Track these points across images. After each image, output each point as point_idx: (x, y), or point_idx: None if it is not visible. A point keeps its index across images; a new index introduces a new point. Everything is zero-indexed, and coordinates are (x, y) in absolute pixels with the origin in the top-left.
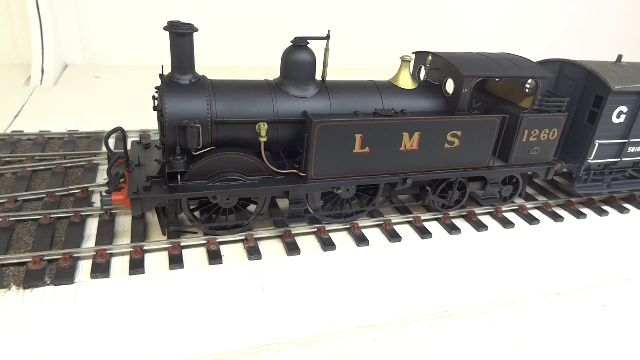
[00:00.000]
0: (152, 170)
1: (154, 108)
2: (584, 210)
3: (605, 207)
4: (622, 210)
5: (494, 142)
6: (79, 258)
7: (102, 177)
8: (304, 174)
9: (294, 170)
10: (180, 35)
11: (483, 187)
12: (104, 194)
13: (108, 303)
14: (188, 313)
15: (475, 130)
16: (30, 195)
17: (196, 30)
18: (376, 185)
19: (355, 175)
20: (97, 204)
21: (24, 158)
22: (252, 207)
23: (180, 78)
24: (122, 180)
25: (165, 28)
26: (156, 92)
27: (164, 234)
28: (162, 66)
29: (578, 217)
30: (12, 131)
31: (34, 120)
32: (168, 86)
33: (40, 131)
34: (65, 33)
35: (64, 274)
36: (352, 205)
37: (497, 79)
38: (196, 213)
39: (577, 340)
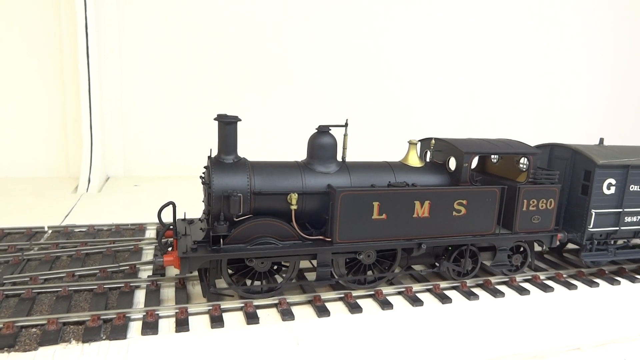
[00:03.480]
0: (197, 237)
1: (203, 183)
2: (596, 280)
3: (617, 278)
4: (634, 280)
5: (497, 211)
6: (130, 319)
7: (147, 257)
8: (330, 239)
9: (320, 237)
10: (227, 124)
11: (494, 257)
12: (156, 256)
13: (158, 354)
14: None
15: (478, 200)
16: (85, 270)
17: (240, 120)
18: (394, 252)
19: (375, 239)
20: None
21: (78, 244)
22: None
23: (225, 158)
24: (169, 249)
25: (215, 118)
26: (203, 173)
27: (204, 296)
28: (210, 149)
29: (590, 286)
30: (66, 224)
31: (83, 217)
32: (215, 164)
33: (90, 224)
34: (111, 150)
35: (118, 331)
36: (373, 272)
37: (493, 159)
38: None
39: None
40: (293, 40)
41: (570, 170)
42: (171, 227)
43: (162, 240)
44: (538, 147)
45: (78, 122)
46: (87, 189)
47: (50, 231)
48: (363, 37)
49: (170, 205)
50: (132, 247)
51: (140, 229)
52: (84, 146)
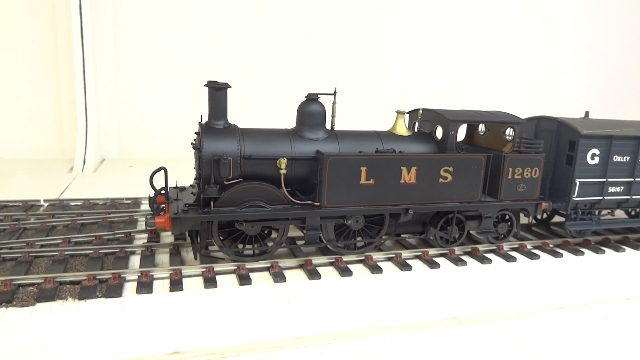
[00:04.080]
0: (188, 201)
1: (194, 147)
2: (582, 249)
3: (602, 247)
4: (619, 249)
5: (482, 179)
6: (125, 279)
7: (142, 227)
8: (318, 203)
9: (309, 202)
10: (218, 90)
11: (480, 225)
12: (148, 217)
13: (152, 309)
14: (224, 315)
15: (465, 167)
16: (82, 237)
17: (230, 86)
18: (382, 217)
19: (363, 204)
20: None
21: (74, 215)
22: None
23: (215, 123)
24: (161, 213)
25: (205, 85)
26: (194, 140)
27: (195, 258)
28: (202, 115)
29: (576, 254)
30: (62, 198)
31: (79, 193)
32: (205, 129)
33: (86, 198)
34: (106, 132)
35: (114, 289)
36: (362, 238)
37: (480, 131)
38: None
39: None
40: (284, 11)
41: (555, 142)
42: (163, 191)
43: (154, 205)
44: (526, 120)
45: (73, 104)
46: (83, 169)
47: (46, 204)
48: (355, 8)
49: (162, 172)
50: (127, 218)
51: (135, 202)
52: (78, 127)
